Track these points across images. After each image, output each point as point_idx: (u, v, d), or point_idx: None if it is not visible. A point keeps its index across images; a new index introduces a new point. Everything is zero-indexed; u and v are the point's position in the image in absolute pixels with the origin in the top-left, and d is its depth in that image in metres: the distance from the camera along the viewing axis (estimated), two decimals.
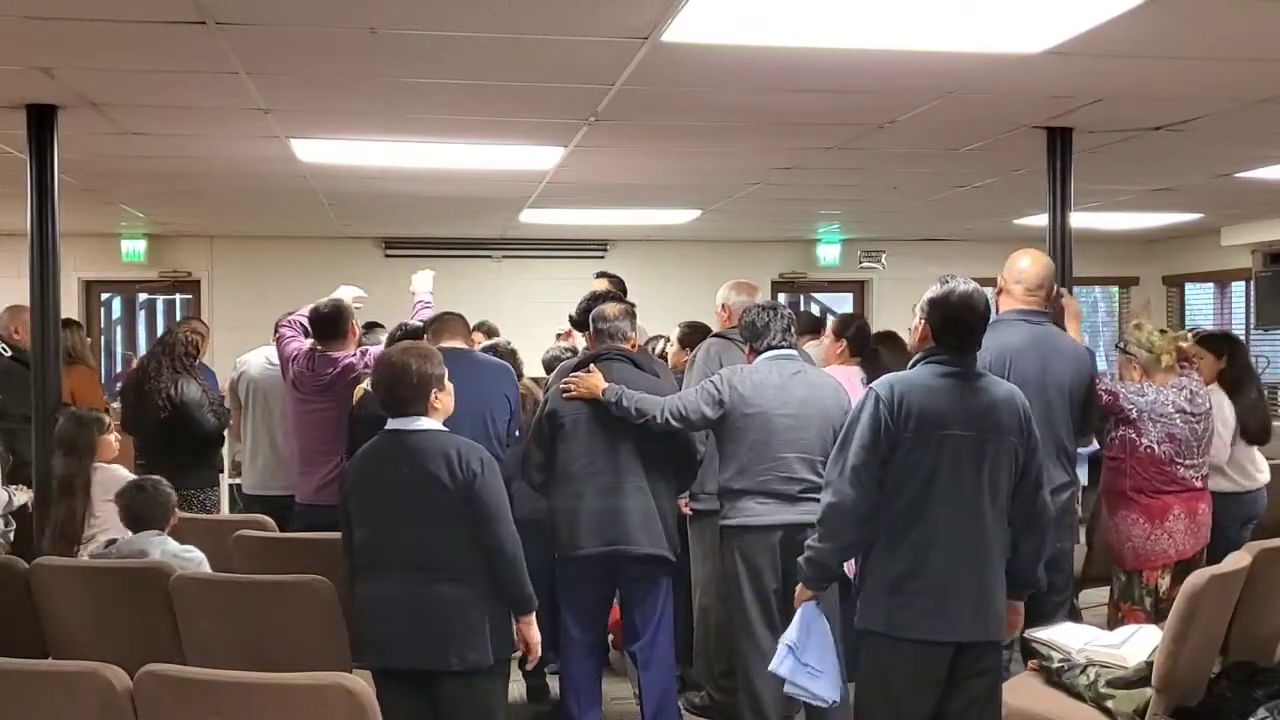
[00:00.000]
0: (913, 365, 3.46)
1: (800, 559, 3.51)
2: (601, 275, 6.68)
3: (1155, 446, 4.46)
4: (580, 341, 5.68)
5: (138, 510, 4.08)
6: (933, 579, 3.25)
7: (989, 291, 3.59)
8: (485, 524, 3.38)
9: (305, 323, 5.33)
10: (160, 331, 11.00)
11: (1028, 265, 4.34)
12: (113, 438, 4.77)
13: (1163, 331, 4.67)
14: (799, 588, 3.55)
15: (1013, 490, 3.35)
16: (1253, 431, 5.39)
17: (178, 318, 10.73)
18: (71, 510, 4.50)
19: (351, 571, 3.51)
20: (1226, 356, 5.48)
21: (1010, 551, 3.38)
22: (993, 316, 5.07)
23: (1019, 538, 3.39)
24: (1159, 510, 4.46)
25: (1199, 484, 4.57)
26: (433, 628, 3.35)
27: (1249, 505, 5.32)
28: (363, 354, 5.18)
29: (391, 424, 3.47)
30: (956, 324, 3.35)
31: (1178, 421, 4.48)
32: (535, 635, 3.56)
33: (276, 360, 5.49)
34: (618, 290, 6.31)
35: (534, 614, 3.54)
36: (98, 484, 4.56)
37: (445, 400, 3.52)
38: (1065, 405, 4.21)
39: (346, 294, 5.54)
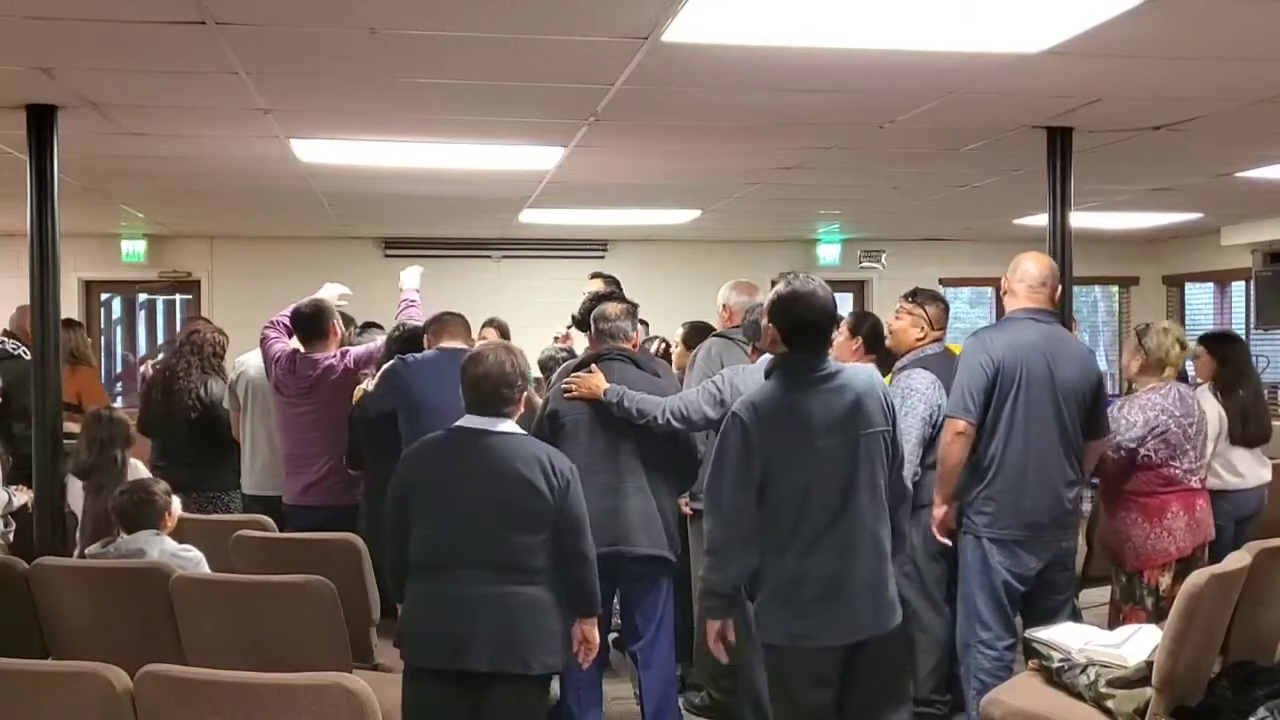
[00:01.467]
0: (769, 374, 3.43)
1: (697, 595, 3.49)
2: (596, 275, 6.69)
3: (1152, 455, 4.48)
4: (582, 342, 5.67)
5: (128, 514, 4.08)
6: (822, 586, 3.27)
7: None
8: (573, 531, 3.38)
9: (289, 323, 5.31)
10: (160, 331, 11.04)
11: (1030, 265, 4.36)
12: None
13: (1182, 346, 4.69)
14: (707, 623, 3.46)
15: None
16: (1246, 432, 5.39)
17: (178, 318, 10.74)
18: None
19: (400, 568, 3.42)
20: (1222, 358, 5.51)
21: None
22: (987, 318, 5.10)
23: (892, 510, 3.45)
24: (1156, 509, 4.47)
25: (1196, 484, 4.57)
26: (514, 630, 3.30)
27: (1240, 504, 5.33)
28: (343, 355, 5.15)
29: (470, 422, 3.41)
30: (807, 326, 3.33)
31: (1171, 426, 4.49)
32: (596, 636, 3.56)
33: None
34: (614, 290, 6.33)
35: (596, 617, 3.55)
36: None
37: (524, 405, 3.51)
38: (1074, 404, 4.23)
39: (331, 292, 5.49)
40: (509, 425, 3.42)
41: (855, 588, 3.29)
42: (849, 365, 3.54)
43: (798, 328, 3.34)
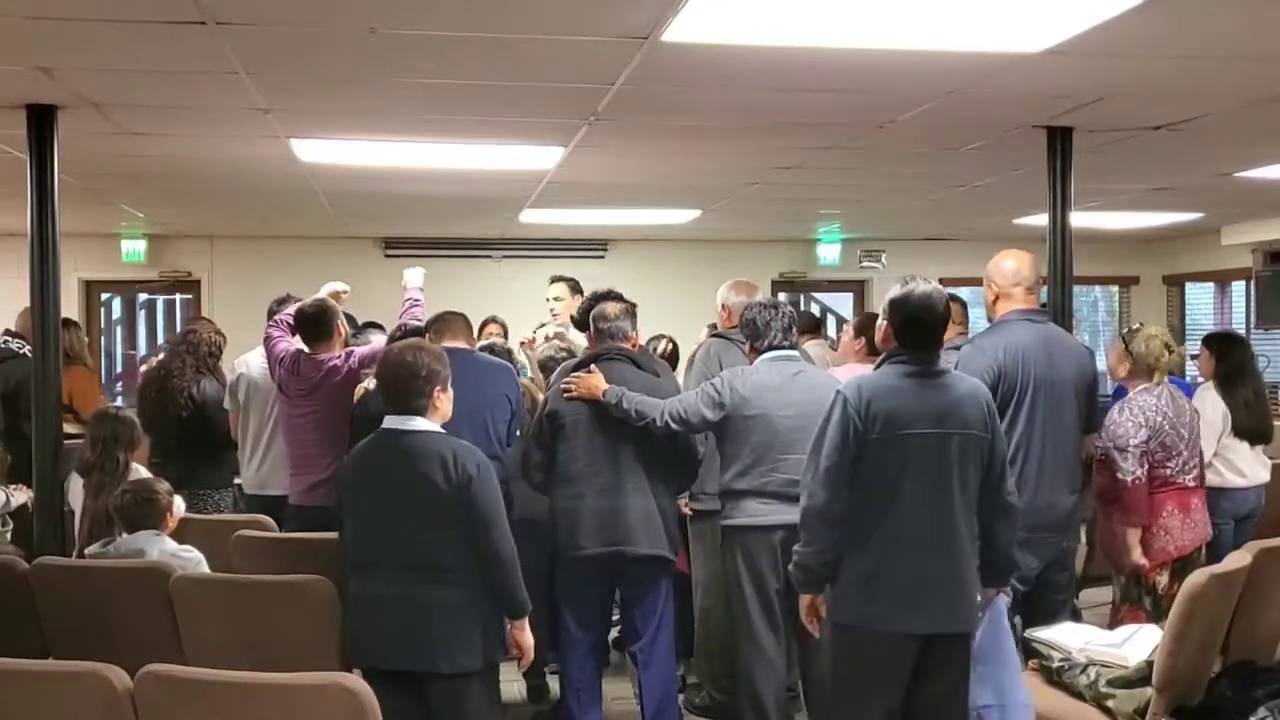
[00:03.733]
0: (878, 366, 3.55)
1: (789, 566, 3.60)
2: (557, 279, 6.74)
3: (1150, 456, 4.46)
4: (580, 342, 5.66)
5: (129, 513, 4.08)
6: (902, 574, 3.34)
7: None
8: (480, 528, 3.37)
9: (293, 322, 5.29)
10: (160, 331, 11.04)
11: (1019, 266, 4.34)
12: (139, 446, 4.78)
13: (1170, 350, 4.66)
14: (800, 597, 3.62)
15: (980, 482, 3.42)
16: (1248, 430, 5.40)
17: (178, 318, 10.74)
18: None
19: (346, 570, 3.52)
20: (1219, 355, 5.53)
21: (984, 541, 3.47)
22: (954, 321, 5.06)
23: (992, 527, 3.48)
24: (1154, 508, 4.46)
25: (1190, 482, 4.56)
26: (423, 629, 3.34)
27: (1239, 502, 5.33)
28: (347, 355, 5.15)
29: (388, 422, 3.47)
30: (916, 324, 3.44)
31: (1166, 427, 4.48)
32: (528, 640, 3.55)
33: None
34: (575, 290, 6.45)
35: (527, 618, 3.53)
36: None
37: (445, 402, 3.50)
38: (1075, 402, 4.23)
39: (327, 289, 5.49)
40: (421, 423, 3.44)
41: (936, 582, 3.35)
42: (954, 371, 3.63)
43: (907, 324, 3.45)
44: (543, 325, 6.48)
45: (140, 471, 4.65)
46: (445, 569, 3.36)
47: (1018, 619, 4.28)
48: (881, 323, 3.62)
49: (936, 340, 3.49)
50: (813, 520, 3.42)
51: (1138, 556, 4.45)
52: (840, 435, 3.36)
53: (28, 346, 6.03)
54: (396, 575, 3.37)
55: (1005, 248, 4.49)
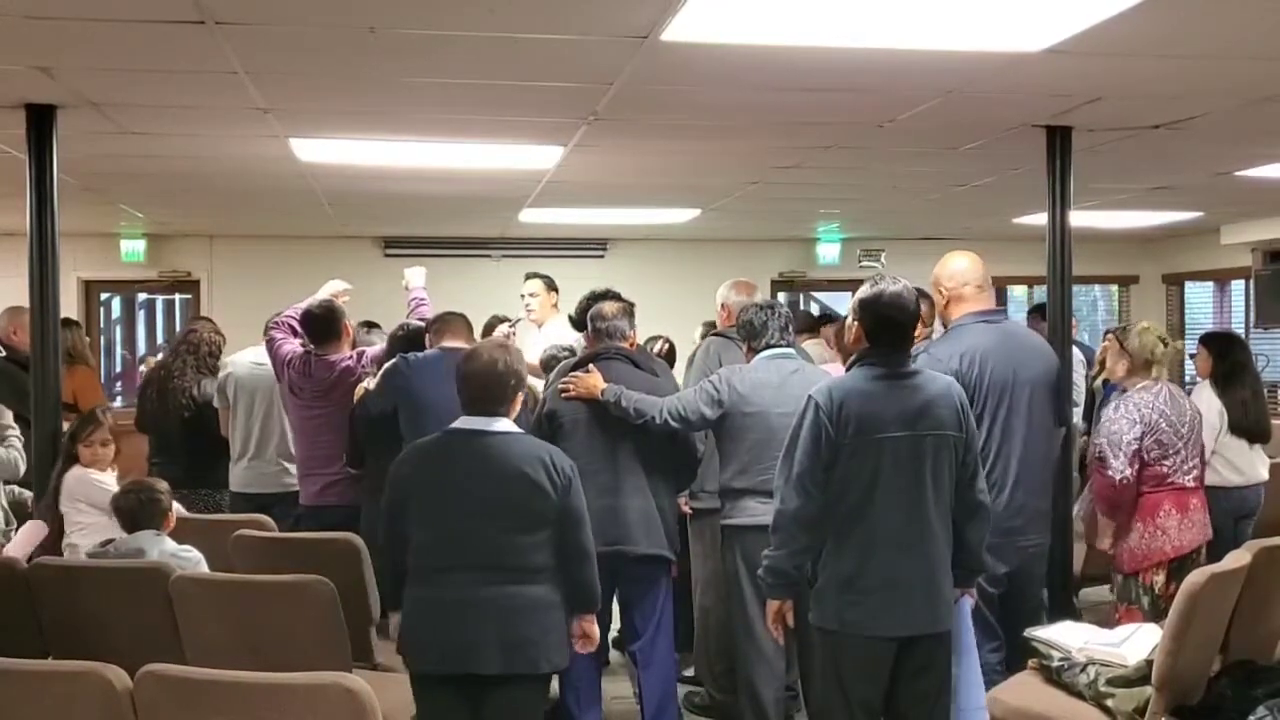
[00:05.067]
0: (849, 367, 3.53)
1: (759, 571, 3.57)
2: (532, 276, 6.77)
3: (1146, 455, 4.44)
4: (579, 341, 5.67)
5: (130, 513, 4.09)
6: (879, 577, 3.33)
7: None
8: (574, 529, 3.38)
9: (294, 323, 5.29)
10: (160, 331, 11.04)
11: (968, 265, 4.29)
12: (98, 444, 4.66)
13: (1165, 344, 4.65)
14: (768, 601, 3.60)
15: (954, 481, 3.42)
16: (1246, 429, 5.40)
17: (178, 318, 10.75)
18: (53, 512, 4.55)
19: (397, 574, 3.41)
20: (1217, 354, 5.54)
21: (955, 541, 3.46)
22: (924, 325, 5.05)
23: (963, 527, 3.48)
24: (1150, 508, 4.46)
25: (1190, 483, 4.55)
26: (523, 631, 3.29)
27: (1239, 501, 5.33)
28: (359, 355, 5.16)
29: (467, 423, 3.39)
30: (887, 324, 3.42)
31: (1163, 425, 4.48)
32: (596, 630, 3.59)
33: (262, 360, 5.46)
34: (550, 287, 6.51)
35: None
36: (66, 489, 4.57)
37: (519, 403, 3.50)
38: (1044, 401, 4.20)
39: (332, 289, 5.49)
40: (505, 424, 3.40)
41: (913, 583, 3.35)
42: (928, 370, 3.61)
43: (878, 324, 3.43)
44: (516, 321, 6.52)
45: (91, 476, 4.60)
46: (538, 569, 3.33)
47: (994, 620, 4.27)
48: (851, 324, 3.59)
49: (908, 340, 3.47)
50: (786, 523, 3.40)
51: (1106, 545, 4.46)
52: (812, 440, 3.34)
53: None
54: (482, 577, 3.28)
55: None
